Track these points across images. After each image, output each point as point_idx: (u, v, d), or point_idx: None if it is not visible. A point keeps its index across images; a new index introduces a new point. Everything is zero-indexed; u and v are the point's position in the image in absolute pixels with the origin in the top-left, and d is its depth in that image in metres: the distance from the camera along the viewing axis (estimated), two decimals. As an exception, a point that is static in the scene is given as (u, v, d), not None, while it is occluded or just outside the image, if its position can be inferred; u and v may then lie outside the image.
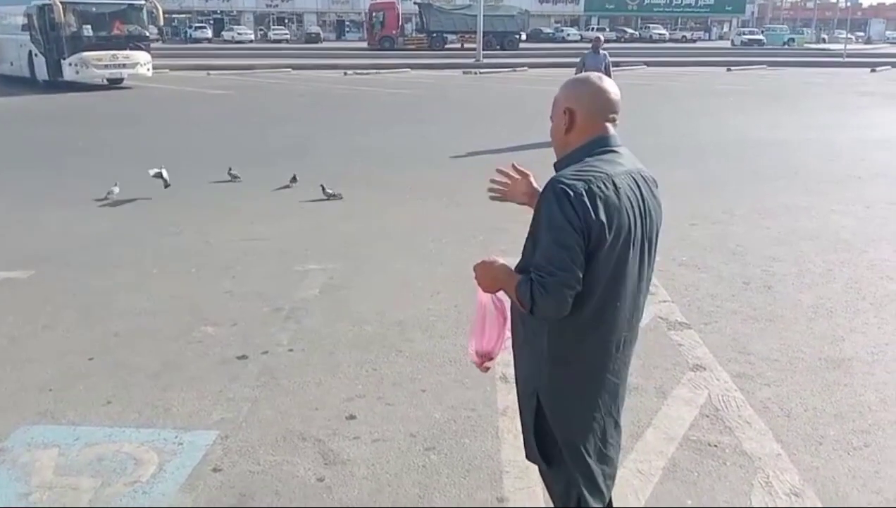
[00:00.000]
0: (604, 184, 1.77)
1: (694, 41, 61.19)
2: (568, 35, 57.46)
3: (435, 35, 45.11)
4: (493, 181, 2.26)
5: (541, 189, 2.15)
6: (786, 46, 53.65)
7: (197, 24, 58.12)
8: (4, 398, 3.48)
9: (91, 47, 19.44)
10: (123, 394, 3.51)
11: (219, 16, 62.82)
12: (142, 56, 20.42)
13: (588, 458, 1.99)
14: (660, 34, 60.30)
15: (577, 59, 12.15)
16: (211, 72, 25.48)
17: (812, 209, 7.19)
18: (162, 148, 10.60)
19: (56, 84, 19.45)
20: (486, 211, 6.57)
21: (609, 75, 9.58)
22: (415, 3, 47.70)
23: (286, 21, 64.59)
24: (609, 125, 1.89)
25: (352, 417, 3.32)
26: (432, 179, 8.56)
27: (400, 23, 46.66)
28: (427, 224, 6.65)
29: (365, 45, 46.17)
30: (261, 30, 60.57)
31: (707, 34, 69.05)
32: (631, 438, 3.03)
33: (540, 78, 22.39)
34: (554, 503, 2.12)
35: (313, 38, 53.94)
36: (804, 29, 70.39)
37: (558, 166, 1.92)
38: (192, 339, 4.15)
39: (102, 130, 12.68)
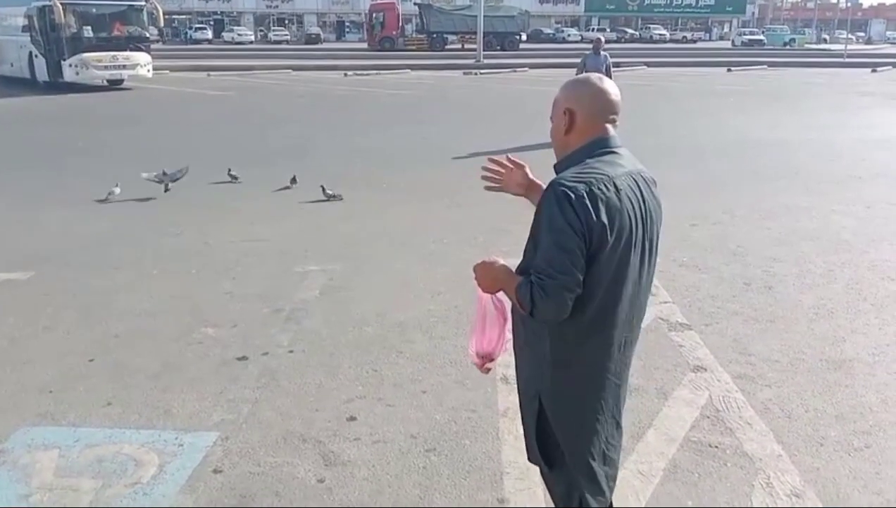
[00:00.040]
0: (605, 186, 1.76)
1: (694, 42, 61.19)
2: (568, 36, 57.48)
3: (435, 36, 45.10)
4: (484, 169, 2.26)
5: (537, 180, 2.18)
6: (786, 47, 53.67)
7: (197, 26, 58.14)
8: (5, 399, 3.48)
9: (91, 48, 19.44)
10: (124, 395, 3.51)
11: (219, 17, 62.83)
12: (142, 57, 20.43)
13: (590, 460, 1.99)
14: (660, 35, 60.28)
15: (578, 60, 12.15)
16: (211, 73, 25.49)
17: (813, 210, 7.19)
18: (162, 149, 10.61)
19: (56, 85, 19.46)
20: (487, 212, 6.61)
21: (610, 77, 9.56)
22: (415, 3, 47.71)
23: (286, 22, 64.62)
24: (609, 126, 1.89)
25: (352, 418, 3.32)
26: (433, 180, 8.56)
27: (400, 24, 46.66)
28: (428, 225, 6.65)
29: (365, 45, 46.16)
30: (261, 31, 60.60)
31: (707, 35, 69.03)
32: (632, 439, 3.03)
33: (540, 79, 22.39)
34: (555, 504, 2.12)
35: (313, 39, 53.95)
36: (805, 29, 70.44)
37: (558, 168, 1.91)
38: (193, 340, 4.15)
39: (102, 131, 12.68)
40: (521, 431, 2.14)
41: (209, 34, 55.58)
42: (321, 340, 4.16)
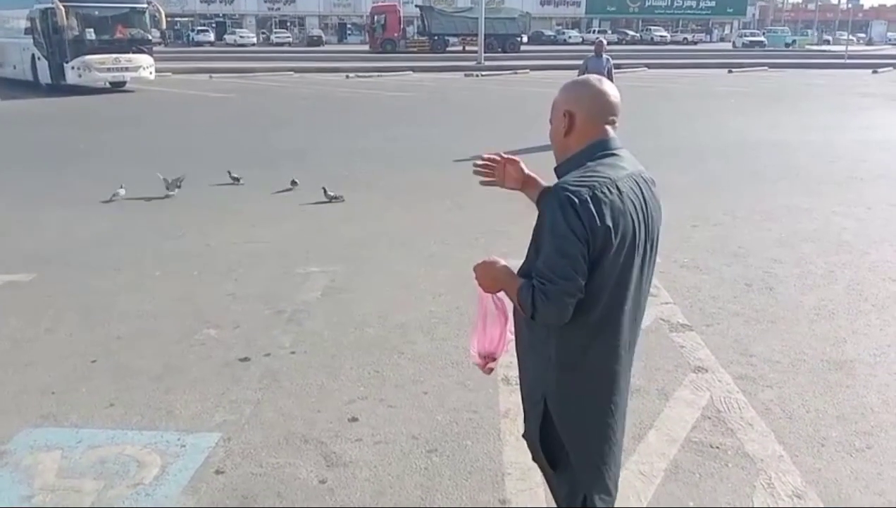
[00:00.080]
0: (608, 189, 1.77)
1: (695, 43, 61.21)
2: (569, 37, 57.52)
3: (436, 38, 45.15)
4: (476, 164, 2.25)
5: (532, 175, 2.18)
6: (787, 48, 53.65)
7: (199, 28, 58.30)
8: (7, 400, 3.49)
9: (94, 51, 19.45)
10: (126, 396, 3.52)
11: (221, 19, 62.99)
12: (144, 59, 20.43)
13: (599, 461, 1.99)
14: (661, 36, 60.33)
15: (579, 62, 12.16)
16: (213, 75, 25.51)
17: (813, 211, 7.19)
18: (163, 150, 10.64)
19: (59, 88, 19.49)
20: (489, 213, 6.62)
21: (611, 79, 9.54)
22: (416, 5, 47.82)
23: (288, 24, 64.75)
24: (609, 128, 1.89)
25: (354, 419, 3.32)
26: (434, 182, 8.56)
27: (401, 26, 46.70)
28: (429, 226, 6.66)
29: (367, 48, 46.25)
30: (263, 33, 60.71)
31: (708, 36, 69.05)
32: (633, 439, 3.03)
33: (541, 80, 22.39)
34: (558, 504, 2.12)
35: (315, 42, 54.06)
36: (807, 31, 70.42)
37: (559, 170, 1.92)
38: (195, 341, 4.16)
39: (104, 133, 12.70)
40: (523, 432, 2.15)
41: (211, 36, 55.71)
42: (323, 341, 4.17)
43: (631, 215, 1.80)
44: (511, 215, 5.43)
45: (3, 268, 5.40)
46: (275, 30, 61.37)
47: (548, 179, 2.05)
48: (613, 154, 1.87)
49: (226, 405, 3.43)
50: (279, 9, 65.02)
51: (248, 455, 3.04)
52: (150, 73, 20.70)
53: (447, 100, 18.94)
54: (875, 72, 28.76)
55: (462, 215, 7.03)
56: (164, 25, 23.50)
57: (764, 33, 59.71)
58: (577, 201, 1.73)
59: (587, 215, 1.72)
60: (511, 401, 3.32)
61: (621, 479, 2.13)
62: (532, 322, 1.88)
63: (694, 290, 4.99)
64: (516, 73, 27.41)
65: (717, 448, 3.08)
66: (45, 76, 20.00)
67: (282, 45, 53.54)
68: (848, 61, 33.58)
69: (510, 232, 5.78)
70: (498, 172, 2.22)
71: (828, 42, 64.74)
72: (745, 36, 57.43)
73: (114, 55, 19.80)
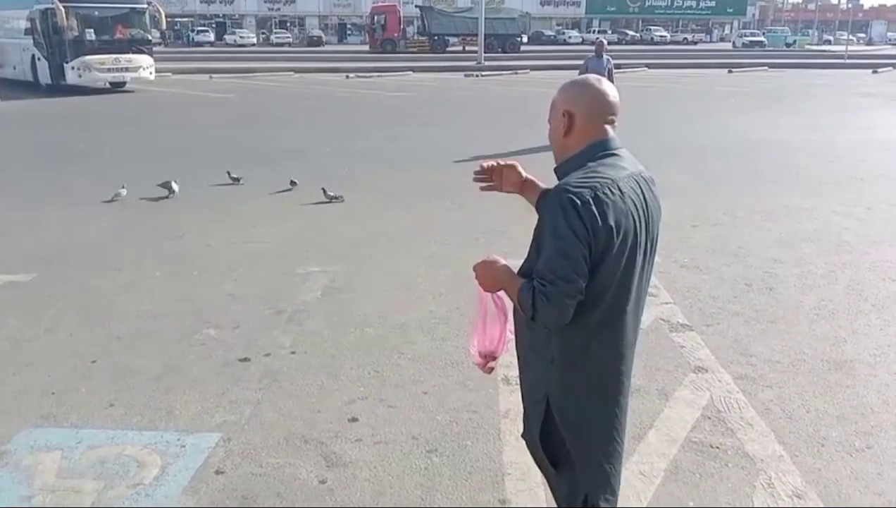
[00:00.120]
0: (609, 190, 1.76)
1: (695, 43, 61.22)
2: (569, 37, 57.54)
3: (436, 38, 45.16)
4: (475, 172, 2.25)
5: (531, 177, 2.18)
6: (787, 48, 53.65)
7: (199, 28, 58.31)
8: (7, 401, 3.49)
9: (94, 51, 19.45)
10: (126, 397, 3.52)
11: (221, 19, 62.99)
12: (144, 60, 20.44)
13: (599, 460, 1.99)
14: (661, 36, 60.33)
15: (580, 62, 12.16)
16: (213, 75, 25.51)
17: (813, 211, 7.19)
18: (163, 150, 10.65)
19: (59, 88, 19.49)
20: (489, 213, 6.62)
21: (611, 80, 9.55)
22: (416, 5, 47.81)
23: (288, 24, 64.76)
24: (608, 127, 1.89)
25: (354, 419, 3.32)
26: (434, 182, 8.56)
27: (401, 26, 46.71)
28: (429, 226, 6.66)
29: (367, 48, 46.25)
30: (263, 33, 60.72)
31: (708, 36, 69.05)
32: (633, 439, 3.03)
33: (541, 80, 22.39)
34: (559, 504, 2.12)
35: (315, 42, 54.06)
36: (807, 31, 70.40)
37: (559, 171, 1.91)
38: (195, 341, 4.16)
39: (104, 133, 12.70)
40: (522, 431, 2.15)
41: (211, 37, 55.73)
42: (323, 341, 4.17)
43: (632, 216, 1.80)
44: (511, 215, 5.43)
45: (3, 268, 5.40)
46: (275, 30, 61.38)
47: (548, 180, 2.05)
48: (614, 154, 1.87)
49: (226, 406, 3.43)
50: (279, 9, 65.04)
51: (248, 456, 3.04)
52: (150, 73, 20.70)
53: (447, 100, 18.94)
54: (875, 72, 28.77)
55: (462, 215, 7.03)
56: (163, 26, 23.52)
57: (764, 33, 59.71)
58: (579, 202, 1.72)
59: (589, 217, 1.72)
60: (511, 401, 3.32)
61: (621, 479, 2.13)
62: (533, 322, 1.88)
63: (694, 290, 4.99)
64: (516, 73, 27.41)
65: (717, 448, 3.08)
66: (45, 76, 20.01)
67: (282, 45, 53.54)
68: (848, 61, 33.61)
69: (510, 232, 5.78)
70: (496, 176, 2.21)
71: (828, 42, 64.76)
72: (745, 36, 57.44)
73: (114, 55, 19.81)
